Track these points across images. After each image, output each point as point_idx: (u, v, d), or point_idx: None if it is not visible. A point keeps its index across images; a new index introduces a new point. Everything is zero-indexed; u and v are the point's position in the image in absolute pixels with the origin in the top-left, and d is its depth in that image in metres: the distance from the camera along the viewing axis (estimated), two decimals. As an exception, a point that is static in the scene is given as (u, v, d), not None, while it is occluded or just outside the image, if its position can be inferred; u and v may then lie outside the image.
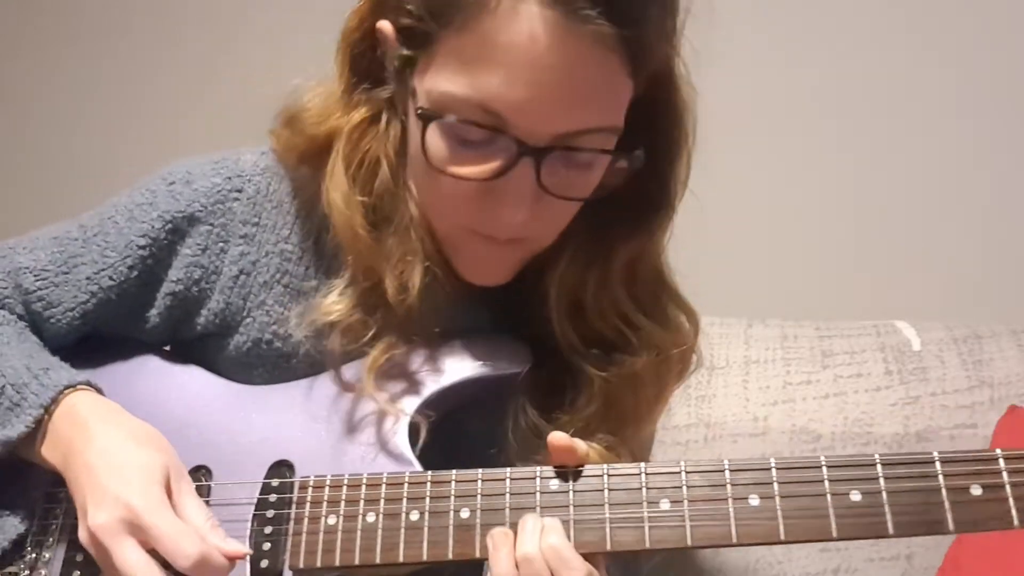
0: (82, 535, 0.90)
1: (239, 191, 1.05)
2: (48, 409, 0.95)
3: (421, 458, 0.97)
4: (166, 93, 2.33)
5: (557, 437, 0.89)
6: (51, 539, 0.99)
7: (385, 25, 0.94)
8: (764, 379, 1.54)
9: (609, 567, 1.06)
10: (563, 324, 1.02)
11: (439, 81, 0.90)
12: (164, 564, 0.87)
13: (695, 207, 1.65)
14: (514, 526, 0.88)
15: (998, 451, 0.83)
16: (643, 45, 0.89)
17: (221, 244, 1.05)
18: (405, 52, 0.93)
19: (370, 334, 0.99)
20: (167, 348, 1.09)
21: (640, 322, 1.03)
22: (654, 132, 0.98)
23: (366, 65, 0.99)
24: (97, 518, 0.87)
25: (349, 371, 1.01)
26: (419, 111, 0.92)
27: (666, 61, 0.95)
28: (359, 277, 1.00)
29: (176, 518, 0.88)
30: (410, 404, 0.99)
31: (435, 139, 0.92)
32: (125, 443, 0.92)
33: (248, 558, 0.93)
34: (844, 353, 1.55)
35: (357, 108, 0.99)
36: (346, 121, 0.99)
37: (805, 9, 1.83)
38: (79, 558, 0.97)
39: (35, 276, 1.05)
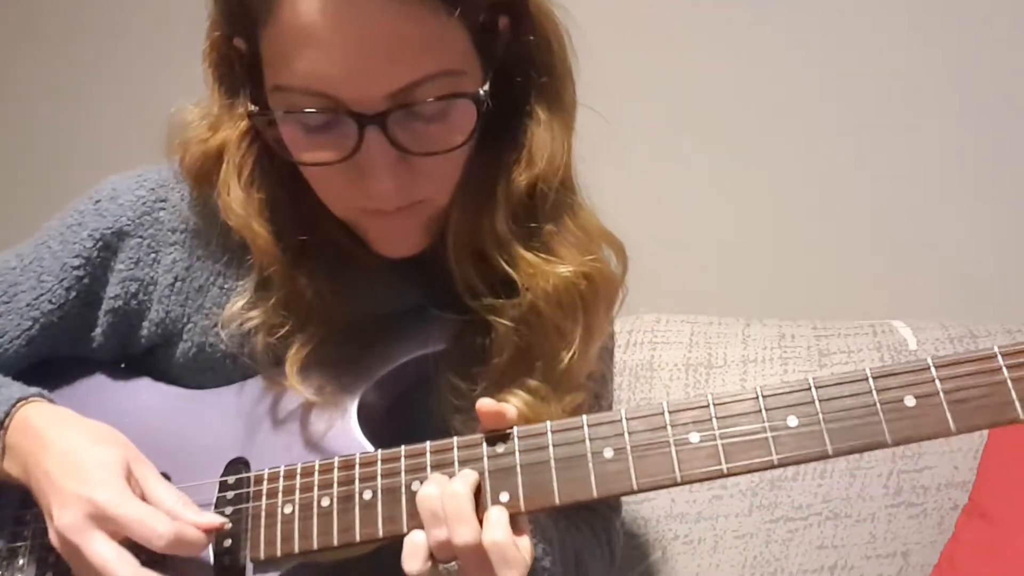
0: (51, 538, 0.91)
1: (164, 200, 1.07)
2: (3, 424, 0.97)
3: (380, 442, 0.97)
4: (166, 93, 2.36)
5: (484, 403, 0.90)
6: (21, 560, 1.01)
7: (239, 40, 0.96)
8: (762, 378, 1.55)
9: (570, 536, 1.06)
10: (467, 274, 1.02)
11: (270, 77, 0.92)
12: (137, 554, 0.88)
13: (694, 207, 1.67)
14: None
15: (928, 360, 0.83)
16: None
17: (153, 255, 1.07)
18: (248, 60, 0.95)
19: (288, 327, 1.00)
20: (118, 365, 1.11)
21: (527, 259, 1.00)
22: (521, 60, 0.98)
23: (235, 78, 1.00)
24: (63, 518, 0.89)
25: (278, 369, 1.02)
26: (250, 114, 0.94)
27: None
28: (267, 275, 1.01)
29: (141, 503, 0.90)
30: (348, 397, 1.00)
31: (287, 134, 0.93)
32: (81, 443, 0.94)
33: (212, 553, 0.93)
34: (841, 352, 1.56)
35: (242, 118, 1.01)
36: (234, 130, 1.01)
37: (805, 8, 1.85)
38: None
39: None
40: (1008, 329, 1.53)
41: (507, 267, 1.00)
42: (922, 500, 1.43)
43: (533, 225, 1.01)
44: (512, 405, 0.92)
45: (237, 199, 0.99)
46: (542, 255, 1.01)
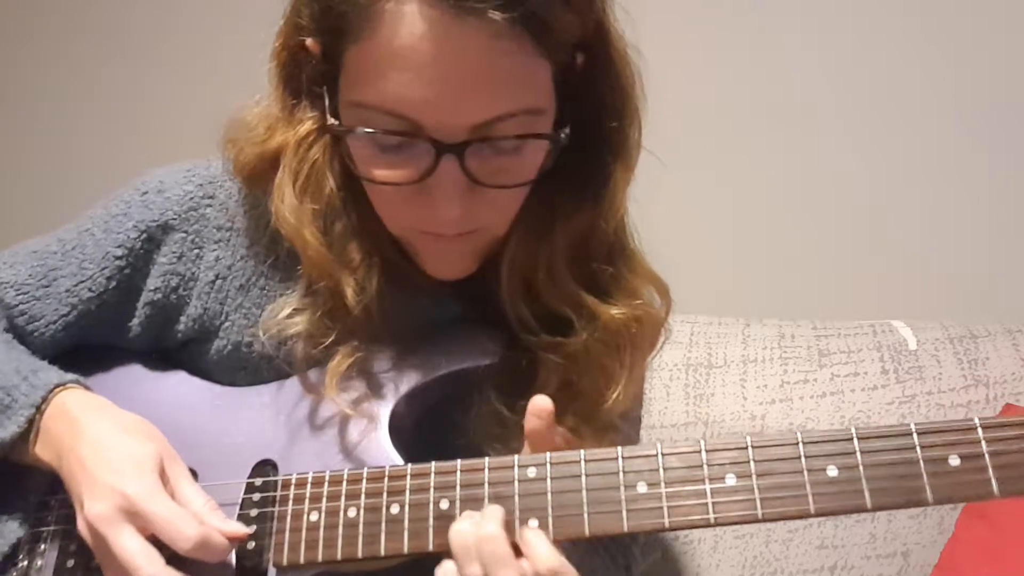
0: (80, 527, 0.91)
1: (211, 197, 1.06)
2: (39, 408, 0.97)
3: (413, 457, 0.96)
4: (166, 93, 2.34)
5: (538, 399, 0.89)
6: (43, 546, 1.01)
7: (312, 43, 0.95)
8: (762, 378, 1.54)
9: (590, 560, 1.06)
10: (517, 306, 1.02)
11: (350, 92, 0.91)
12: (162, 551, 0.88)
13: (694, 207, 1.66)
14: None
15: (975, 420, 0.82)
16: (542, 23, 0.87)
17: (196, 250, 1.06)
18: (324, 67, 0.94)
19: (331, 339, 1.00)
20: (153, 356, 1.10)
21: (583, 300, 1.01)
22: (593, 101, 0.97)
23: (301, 82, 1.00)
24: (94, 508, 0.89)
25: (316, 375, 1.01)
26: (330, 128, 0.94)
27: (589, 28, 0.94)
28: (315, 285, 1.00)
29: (172, 502, 0.90)
30: (382, 408, 1.00)
31: (358, 149, 0.93)
32: (116, 434, 0.94)
33: (234, 556, 0.93)
34: (841, 352, 1.55)
35: (301, 123, 1.00)
36: (293, 135, 1.00)
37: (805, 8, 1.84)
38: (70, 564, 0.99)
39: (16, 291, 1.07)
40: (1008, 329, 1.53)
41: (561, 305, 1.01)
42: (923, 500, 1.44)
43: (591, 265, 1.02)
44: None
45: (291, 206, 0.98)
46: (597, 296, 1.01)
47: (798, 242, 1.87)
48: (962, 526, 1.40)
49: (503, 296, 1.01)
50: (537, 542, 0.85)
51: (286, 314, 1.00)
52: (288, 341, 1.01)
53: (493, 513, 0.86)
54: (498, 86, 0.88)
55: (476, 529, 0.85)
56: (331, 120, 0.94)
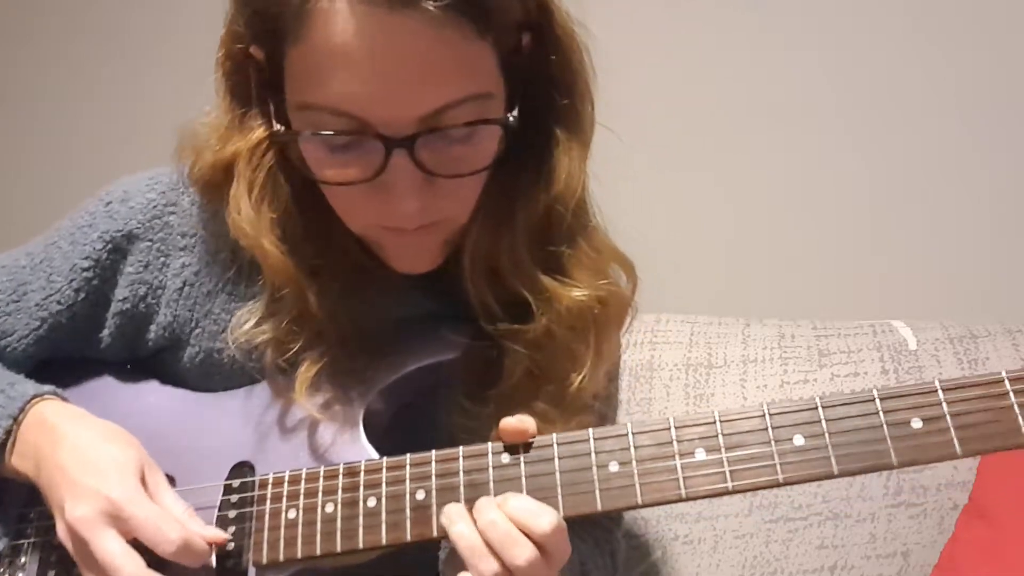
0: (60, 531, 0.92)
1: (174, 204, 1.07)
2: (16, 419, 0.98)
3: (386, 449, 0.97)
4: (165, 93, 2.35)
5: (506, 423, 0.90)
6: (23, 558, 1.01)
7: (255, 50, 0.95)
8: (761, 378, 1.54)
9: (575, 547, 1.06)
10: (482, 294, 1.02)
11: (295, 95, 0.91)
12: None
13: (694, 207, 1.67)
14: (470, 502, 0.89)
15: (936, 382, 0.83)
16: (479, 7, 0.86)
17: (162, 258, 1.06)
18: (268, 73, 0.94)
19: (299, 344, 1.00)
20: (128, 366, 1.11)
21: (543, 284, 1.01)
22: (543, 80, 0.97)
23: (248, 90, 0.99)
24: (76, 511, 0.89)
25: (286, 380, 1.01)
26: (274, 134, 0.94)
27: (531, 8, 0.93)
28: (278, 293, 1.00)
29: (155, 506, 0.90)
30: (354, 409, 1.00)
31: (309, 152, 0.93)
32: (96, 441, 0.95)
33: (214, 557, 0.94)
34: (841, 352, 1.55)
35: (252, 131, 1.00)
36: (244, 144, 1.00)
37: (804, 8, 1.85)
38: (51, 575, 0.99)
39: None
40: (1008, 329, 1.53)
41: (523, 290, 1.00)
42: (922, 500, 1.43)
43: (550, 248, 1.01)
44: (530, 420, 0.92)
45: (248, 218, 0.98)
46: (558, 278, 1.01)
47: (798, 242, 1.88)
48: (962, 526, 1.40)
49: (467, 285, 1.01)
50: (524, 504, 0.86)
51: (252, 324, 1.00)
52: (256, 349, 1.01)
53: (485, 503, 0.87)
54: (440, 75, 0.87)
55: (472, 526, 0.86)
56: (276, 126, 0.93)
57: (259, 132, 0.99)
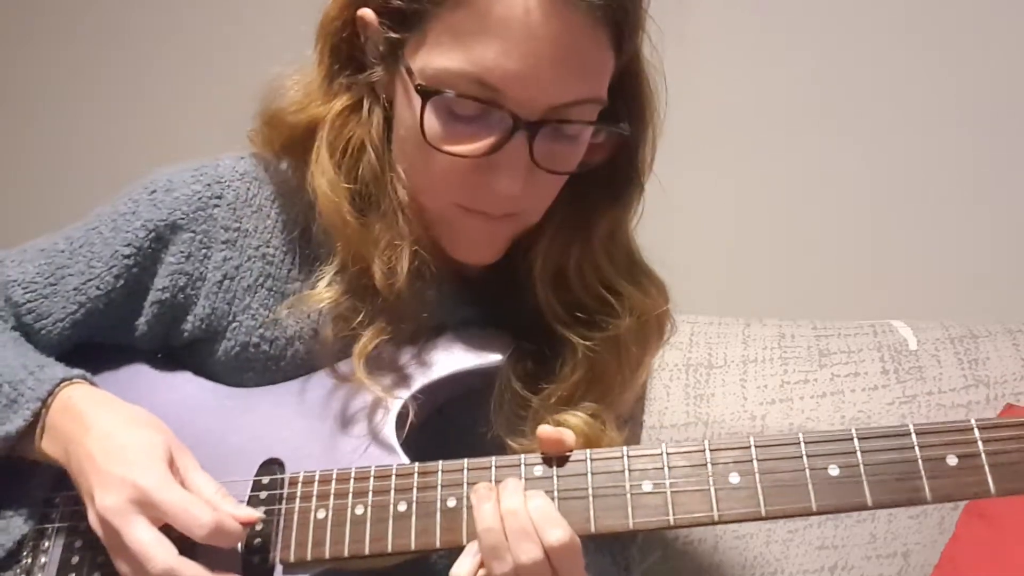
0: (91, 520, 0.92)
1: (219, 197, 1.07)
2: (45, 402, 0.97)
3: (413, 452, 0.98)
4: (166, 93, 2.35)
5: (545, 430, 0.91)
6: (47, 543, 1.00)
7: (367, 12, 0.97)
8: (762, 378, 1.55)
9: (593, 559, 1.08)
10: (548, 295, 1.04)
11: (433, 58, 0.92)
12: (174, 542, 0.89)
13: (694, 207, 1.67)
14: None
15: (972, 421, 0.84)
16: (628, 19, 0.93)
17: (204, 250, 1.06)
18: (392, 35, 0.95)
19: (359, 319, 1.01)
20: (159, 355, 1.11)
21: (622, 287, 1.05)
22: (625, 109, 1.00)
23: (346, 53, 1.01)
24: (105, 500, 0.89)
25: (342, 365, 1.02)
26: (418, 87, 0.93)
27: (639, 40, 0.98)
28: (348, 263, 1.01)
29: (184, 491, 0.90)
30: (400, 394, 1.00)
31: (431, 116, 0.94)
32: (124, 426, 0.94)
33: (240, 553, 0.94)
34: (841, 352, 1.56)
35: (339, 96, 1.01)
36: (327, 109, 1.01)
37: (805, 8, 1.85)
38: (75, 560, 0.99)
39: (24, 289, 1.07)
40: (1008, 329, 1.54)
41: (588, 296, 1.04)
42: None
43: (617, 260, 1.05)
44: (571, 426, 0.95)
45: (332, 182, 0.99)
46: (635, 288, 1.05)
47: (798, 242, 1.88)
48: (962, 526, 1.41)
49: (536, 288, 1.04)
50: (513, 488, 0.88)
51: (321, 287, 1.01)
52: (317, 323, 1.03)
53: (513, 488, 0.88)
54: (582, 71, 0.92)
55: (497, 512, 0.87)
56: (418, 81, 0.94)
57: (345, 99, 1.01)
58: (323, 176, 1.00)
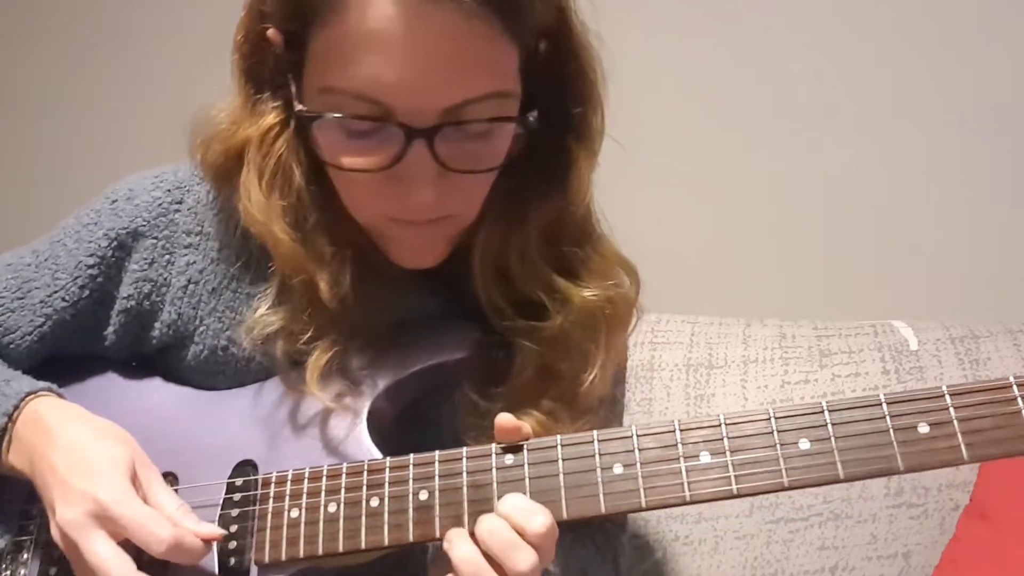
0: (53, 533, 0.91)
1: (180, 202, 1.07)
2: (11, 416, 0.97)
3: (391, 453, 0.96)
4: (166, 93, 2.35)
5: (502, 419, 0.90)
6: (26, 555, 1.01)
7: (273, 32, 0.96)
8: (762, 378, 1.53)
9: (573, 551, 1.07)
10: (491, 293, 1.02)
11: (317, 78, 0.91)
12: (136, 557, 0.88)
13: (694, 207, 1.67)
14: (472, 503, 0.89)
15: (943, 387, 0.83)
16: (511, 5, 0.88)
17: (167, 256, 1.06)
18: (290, 55, 0.94)
19: (309, 335, 1.00)
20: (129, 363, 1.10)
21: (556, 284, 1.02)
22: (558, 87, 0.98)
23: (264, 73, 1.00)
24: (65, 514, 0.89)
25: (298, 374, 1.01)
26: (298, 113, 0.93)
27: (554, 14, 0.95)
28: (289, 281, 1.00)
29: (145, 506, 0.90)
30: (362, 403, 1.00)
31: (326, 136, 0.93)
32: (88, 439, 0.94)
33: (216, 556, 0.93)
34: (842, 353, 1.54)
35: (264, 116, 1.00)
36: (256, 129, 1.00)
37: (805, 8, 1.84)
38: (53, 571, 0.99)
39: None
40: (1010, 329, 1.52)
41: (534, 290, 1.01)
42: (923, 501, 1.43)
43: (562, 250, 1.02)
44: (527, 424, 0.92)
45: (258, 204, 0.98)
46: (570, 280, 1.02)
47: (799, 242, 1.87)
48: (963, 527, 1.40)
49: (476, 284, 1.02)
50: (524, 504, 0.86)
51: (262, 312, 1.00)
52: (268, 340, 1.01)
53: (484, 516, 0.87)
54: (469, 68, 0.88)
55: (474, 547, 0.85)
56: (299, 106, 0.93)
57: (270, 118, 1.00)
58: (251, 200, 0.99)
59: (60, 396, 1.01)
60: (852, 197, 1.85)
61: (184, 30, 2.34)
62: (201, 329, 1.06)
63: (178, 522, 0.89)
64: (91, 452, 0.92)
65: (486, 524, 0.86)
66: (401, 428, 1.01)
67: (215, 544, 0.93)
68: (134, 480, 0.91)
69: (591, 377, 1.02)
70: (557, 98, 0.98)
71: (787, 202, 1.89)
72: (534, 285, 1.02)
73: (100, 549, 0.87)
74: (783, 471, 0.84)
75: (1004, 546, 1.34)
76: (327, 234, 1.00)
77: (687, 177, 1.88)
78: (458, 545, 0.86)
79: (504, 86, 0.91)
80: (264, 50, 0.98)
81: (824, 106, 1.85)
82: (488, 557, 0.85)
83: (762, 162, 1.88)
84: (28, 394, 0.98)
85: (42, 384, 1.00)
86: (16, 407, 0.97)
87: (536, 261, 1.01)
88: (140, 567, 0.88)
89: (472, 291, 1.03)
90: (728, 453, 0.85)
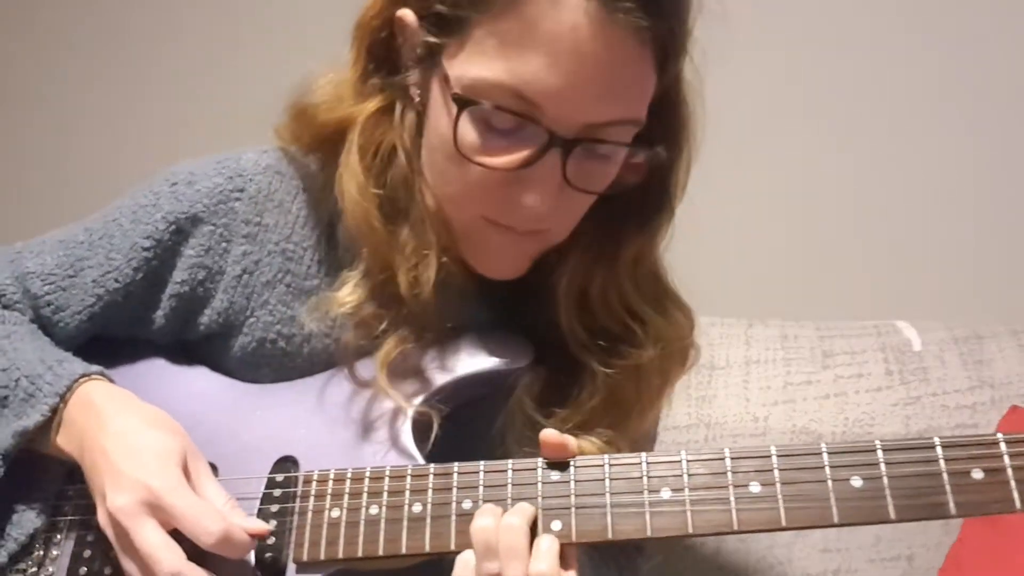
0: (101, 518, 0.91)
1: (241, 190, 1.06)
2: (63, 398, 0.97)
3: (434, 456, 0.97)
4: (171, 90, 2.34)
5: (548, 434, 0.90)
6: (59, 536, 1.00)
7: (407, 13, 0.95)
8: (765, 379, 1.53)
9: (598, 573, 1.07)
10: (570, 318, 1.02)
11: (471, 67, 0.90)
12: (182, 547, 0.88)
13: (695, 207, 1.66)
14: None
15: (999, 435, 0.83)
16: (673, 41, 0.91)
17: (224, 244, 1.05)
18: (431, 39, 0.93)
19: (382, 327, 0.99)
20: (175, 349, 1.10)
21: (646, 315, 1.03)
22: (662, 132, 0.98)
23: (382, 53, 1.00)
24: (117, 500, 0.88)
25: (360, 368, 1.01)
26: (454, 96, 0.91)
27: (682, 62, 0.97)
28: (373, 270, 1.00)
29: (196, 497, 0.90)
30: (417, 399, 0.99)
31: (465, 126, 0.92)
32: (140, 427, 0.94)
33: (253, 552, 0.93)
34: (845, 353, 1.55)
35: (371, 97, 1.00)
36: (359, 110, 0.99)
37: (805, 9, 1.85)
38: (87, 554, 0.98)
39: (43, 281, 1.06)
40: (1013, 330, 1.53)
41: (613, 321, 1.02)
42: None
43: (646, 285, 1.04)
44: (585, 451, 0.93)
45: (360, 187, 0.98)
46: (658, 315, 1.03)
47: (801, 242, 1.88)
48: (967, 529, 1.40)
49: (557, 308, 1.02)
50: (546, 551, 0.85)
51: (345, 292, 1.00)
52: (336, 326, 1.01)
53: (521, 508, 0.87)
54: (623, 92, 0.90)
55: (497, 520, 0.86)
56: (455, 90, 0.91)
57: (377, 101, 0.99)
58: (352, 180, 0.98)
59: (111, 380, 1.00)
60: (854, 197, 1.86)
61: (185, 30, 2.32)
62: (251, 320, 1.05)
63: (227, 516, 0.89)
64: (143, 440, 0.92)
65: (509, 519, 0.86)
66: (449, 434, 1.00)
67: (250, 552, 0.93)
68: (185, 471, 0.91)
69: (655, 410, 1.05)
70: (659, 142, 0.98)
71: (789, 202, 1.90)
72: (613, 316, 1.02)
73: (152, 537, 0.87)
74: (833, 507, 0.84)
75: (1008, 548, 1.33)
76: (415, 233, 0.99)
77: (688, 177, 1.87)
78: (485, 514, 0.87)
79: (641, 115, 0.93)
80: (395, 30, 0.97)
81: (827, 105, 1.85)
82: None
83: (764, 161, 1.89)
84: (81, 376, 0.98)
85: (95, 367, 1.00)
86: (68, 388, 0.97)
87: (622, 293, 1.02)
88: None
89: (531, 319, 1.03)
90: (779, 484, 0.85)
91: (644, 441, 1.11)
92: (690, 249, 1.71)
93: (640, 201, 1.01)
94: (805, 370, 1.54)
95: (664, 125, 0.98)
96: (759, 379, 1.54)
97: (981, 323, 1.56)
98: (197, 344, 1.08)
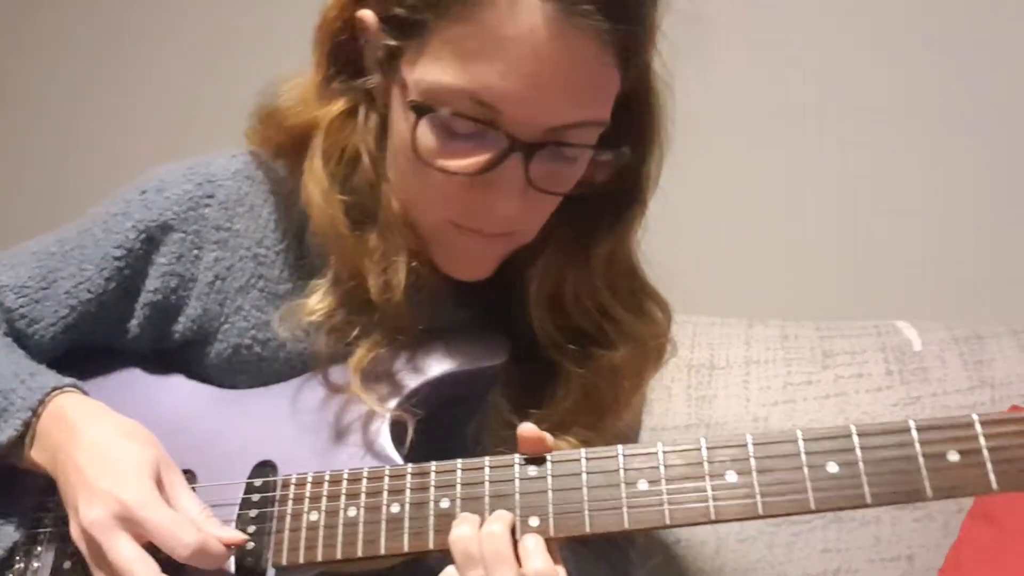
0: (74, 532, 0.91)
1: (211, 196, 1.05)
2: (36, 411, 0.96)
3: (411, 458, 0.96)
4: (171, 91, 2.35)
5: (526, 428, 0.89)
6: (39, 548, 1.00)
7: (367, 14, 0.94)
8: (765, 379, 1.53)
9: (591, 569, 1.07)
10: (542, 319, 1.02)
11: (430, 71, 0.90)
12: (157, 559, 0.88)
13: (695, 207, 1.66)
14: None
15: (974, 416, 0.82)
16: (635, 42, 0.90)
17: (195, 251, 1.05)
18: (391, 42, 0.93)
19: (354, 333, 0.99)
20: (152, 359, 1.10)
21: (618, 314, 1.02)
22: (630, 128, 0.98)
23: (344, 55, 0.99)
24: (89, 514, 0.88)
25: (335, 373, 1.01)
26: (411, 103, 0.91)
27: (648, 58, 0.96)
28: (343, 276, 0.99)
29: (170, 510, 0.89)
30: (392, 402, 0.99)
31: (424, 132, 0.91)
32: (113, 439, 0.93)
33: (232, 558, 0.93)
34: (845, 353, 1.54)
35: (335, 100, 0.99)
36: (324, 113, 0.99)
37: (804, 8, 1.84)
38: (67, 566, 0.98)
39: (16, 294, 1.06)
40: (1014, 330, 1.53)
41: (586, 321, 1.02)
42: (927, 503, 1.43)
43: (616, 284, 1.03)
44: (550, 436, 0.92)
45: (324, 193, 0.97)
46: (631, 314, 1.03)
47: (801, 242, 1.87)
48: (967, 529, 1.40)
49: (531, 310, 1.02)
50: (534, 549, 0.85)
51: (315, 300, 0.99)
52: (308, 333, 1.01)
53: (499, 516, 0.86)
54: (585, 94, 0.89)
55: (475, 529, 0.85)
56: (411, 96, 0.92)
57: (340, 104, 0.99)
58: (316, 186, 0.98)
59: (84, 392, 1.00)
60: (855, 196, 1.85)
61: (185, 30, 2.33)
62: (226, 327, 1.05)
63: (202, 527, 0.89)
64: (116, 452, 0.92)
65: (490, 527, 0.86)
66: (426, 435, 1.00)
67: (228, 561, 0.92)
68: (159, 482, 0.91)
69: (630, 408, 1.04)
70: (633, 138, 0.98)
71: (789, 201, 1.89)
72: (586, 315, 1.02)
73: (126, 551, 0.87)
74: (810, 493, 0.83)
75: (1008, 548, 1.33)
76: (384, 238, 0.99)
77: (688, 177, 1.86)
78: (462, 524, 0.86)
79: (605, 116, 0.92)
80: (356, 32, 0.97)
81: (826, 105, 1.84)
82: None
83: (764, 161, 1.88)
84: (53, 389, 0.97)
85: (67, 379, 0.99)
86: (41, 402, 0.96)
87: (594, 293, 1.02)
88: None
89: (504, 311, 1.03)
90: (755, 473, 0.85)
91: (625, 441, 1.10)
92: (690, 249, 1.72)
93: (611, 198, 1.00)
94: (805, 370, 1.53)
95: (632, 121, 0.98)
96: (759, 379, 1.54)
97: (981, 323, 1.56)
98: (174, 352, 1.08)
